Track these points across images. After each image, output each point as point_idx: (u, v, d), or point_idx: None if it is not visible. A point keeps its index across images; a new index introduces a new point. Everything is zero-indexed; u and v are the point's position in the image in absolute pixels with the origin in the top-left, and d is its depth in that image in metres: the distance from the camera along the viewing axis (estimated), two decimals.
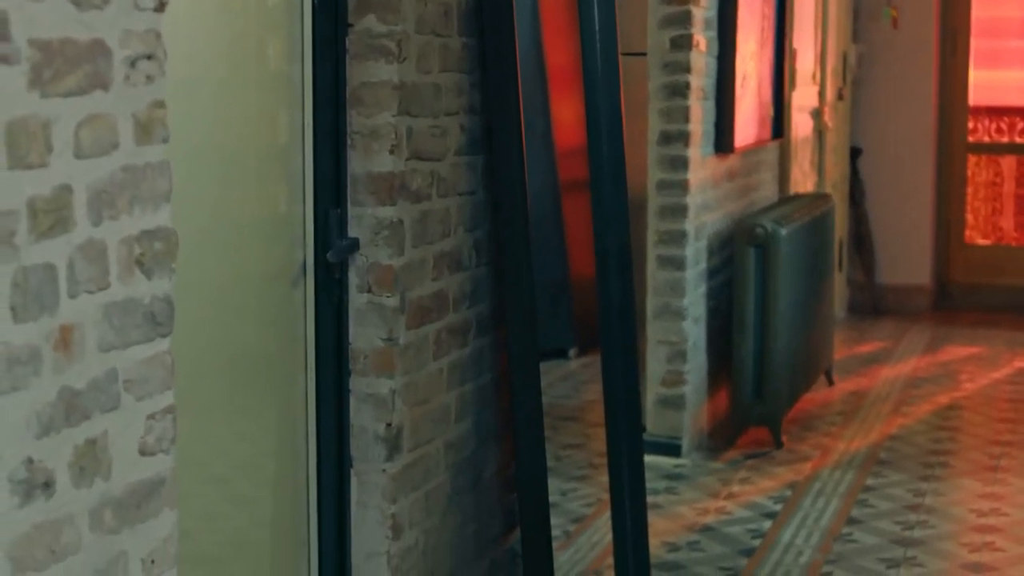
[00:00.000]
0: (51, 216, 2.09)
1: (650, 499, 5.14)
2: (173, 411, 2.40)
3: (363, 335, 3.32)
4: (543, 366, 7.53)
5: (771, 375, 5.87)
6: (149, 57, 2.30)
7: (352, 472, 3.34)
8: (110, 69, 2.21)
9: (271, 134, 3.18)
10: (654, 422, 5.82)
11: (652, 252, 5.71)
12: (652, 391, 5.78)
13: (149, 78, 2.31)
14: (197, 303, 2.91)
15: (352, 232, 3.30)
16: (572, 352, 7.63)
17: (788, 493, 5.34)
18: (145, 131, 2.31)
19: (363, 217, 3.29)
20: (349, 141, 3.28)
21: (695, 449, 5.86)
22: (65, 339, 2.14)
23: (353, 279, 3.32)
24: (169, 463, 2.40)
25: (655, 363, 5.77)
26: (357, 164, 3.28)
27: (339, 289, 3.29)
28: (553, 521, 5.03)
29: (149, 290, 2.33)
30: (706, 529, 4.96)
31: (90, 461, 2.19)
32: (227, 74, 3.03)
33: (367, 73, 3.25)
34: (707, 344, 5.95)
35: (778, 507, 5.17)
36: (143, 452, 2.33)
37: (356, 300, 3.33)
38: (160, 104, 2.34)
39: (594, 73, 3.78)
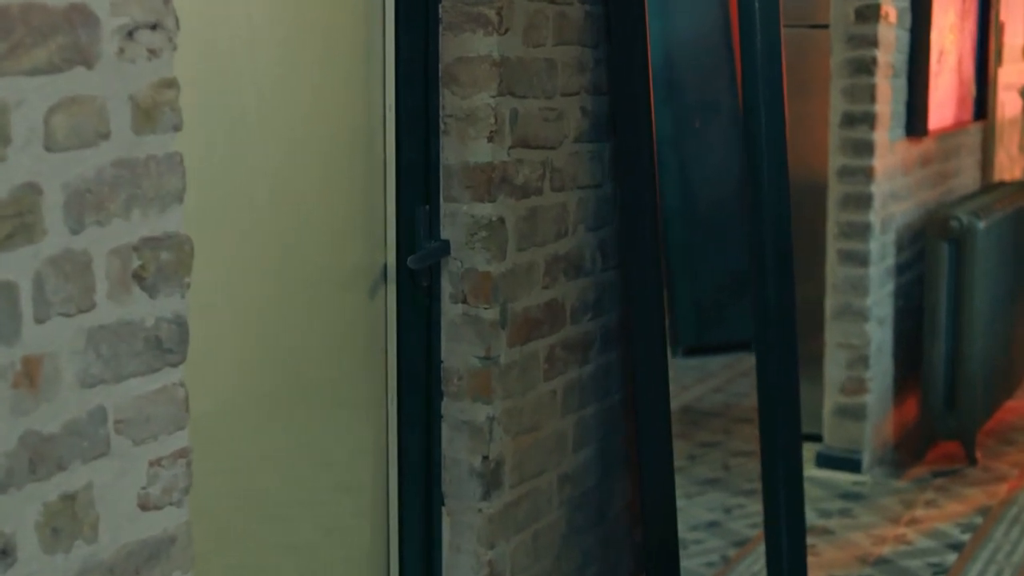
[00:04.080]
0: (8, 223, 1.72)
1: (822, 523, 4.73)
2: (187, 455, 2.02)
3: (457, 353, 2.87)
4: (724, 359, 7.12)
5: (965, 383, 5.42)
6: (153, 27, 1.90)
7: (443, 511, 2.90)
8: (96, 41, 1.83)
9: (346, 117, 2.74)
10: (832, 434, 5.43)
11: (832, 246, 5.30)
12: (830, 399, 5.38)
13: (152, 52, 1.92)
14: (257, 314, 2.56)
15: (444, 233, 2.86)
16: None
17: (979, 520, 4.78)
18: (147, 117, 1.92)
19: (457, 215, 2.85)
20: (441, 126, 2.83)
21: (877, 464, 5.37)
22: (30, 373, 1.77)
23: (445, 287, 2.88)
24: (181, 517, 2.02)
25: (834, 369, 5.38)
26: (450, 153, 2.84)
27: (427, 299, 2.84)
28: (712, 544, 4.63)
29: (153, 310, 1.94)
30: (881, 561, 4.43)
31: (66, 521, 1.83)
32: (293, 47, 2.62)
33: (462, 46, 2.80)
34: (894, 348, 5.55)
35: (966, 536, 4.63)
36: (144, 506, 1.96)
37: (449, 312, 2.88)
38: (168, 84, 1.95)
39: (752, 49, 3.38)
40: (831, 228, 5.26)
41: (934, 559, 4.44)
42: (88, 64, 1.80)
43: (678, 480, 5.28)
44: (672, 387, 6.93)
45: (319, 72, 2.67)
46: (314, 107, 2.66)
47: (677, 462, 5.52)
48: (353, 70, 2.75)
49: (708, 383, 6.84)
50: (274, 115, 2.56)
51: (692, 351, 7.05)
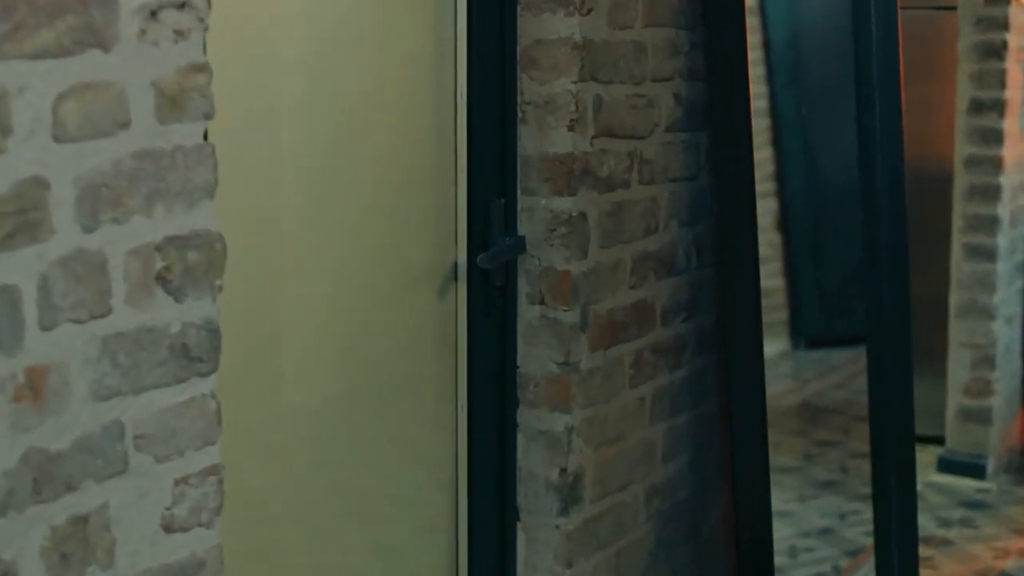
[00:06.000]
0: (9, 221, 1.57)
1: (941, 533, 4.52)
2: (218, 472, 1.89)
3: (533, 357, 2.69)
4: (848, 352, 6.86)
5: None
6: (180, 6, 1.76)
7: (518, 527, 2.72)
8: (114, 22, 1.68)
9: (413, 103, 2.57)
10: (955, 437, 5.25)
11: (958, 240, 5.11)
12: (953, 401, 5.21)
13: (179, 34, 1.77)
14: (318, 314, 2.40)
15: (521, 228, 2.68)
16: None
17: None
18: (173, 105, 1.78)
19: (535, 210, 2.66)
20: (519, 114, 2.64)
21: (1003, 471, 5.17)
22: (34, 385, 1.62)
23: (522, 287, 2.69)
24: (211, 540, 1.89)
25: (958, 369, 5.21)
26: (529, 143, 2.66)
27: (502, 299, 2.66)
28: (824, 552, 4.43)
29: (179, 315, 1.80)
30: None
31: (77, 545, 1.69)
32: (353, 28, 2.45)
33: (542, 28, 2.61)
34: (1022, 348, 5.37)
35: None
36: (169, 528, 1.82)
37: (526, 314, 2.70)
38: (198, 68, 1.80)
39: (867, 31, 3.23)
40: (957, 221, 5.09)
41: None
42: (104, 47, 1.66)
43: (792, 481, 5.09)
44: (791, 381, 6.74)
45: (383, 55, 2.51)
46: (378, 93, 2.50)
47: (792, 462, 5.32)
48: (421, 53, 2.57)
49: (829, 378, 6.62)
50: (334, 102, 2.40)
51: (814, 343, 6.82)
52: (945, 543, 4.47)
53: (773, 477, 5.21)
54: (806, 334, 6.87)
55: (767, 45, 6.51)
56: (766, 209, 6.70)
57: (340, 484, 2.48)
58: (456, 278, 2.61)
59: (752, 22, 6.72)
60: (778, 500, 4.90)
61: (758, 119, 6.82)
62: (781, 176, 6.69)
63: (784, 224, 6.77)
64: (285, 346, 2.34)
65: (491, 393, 2.68)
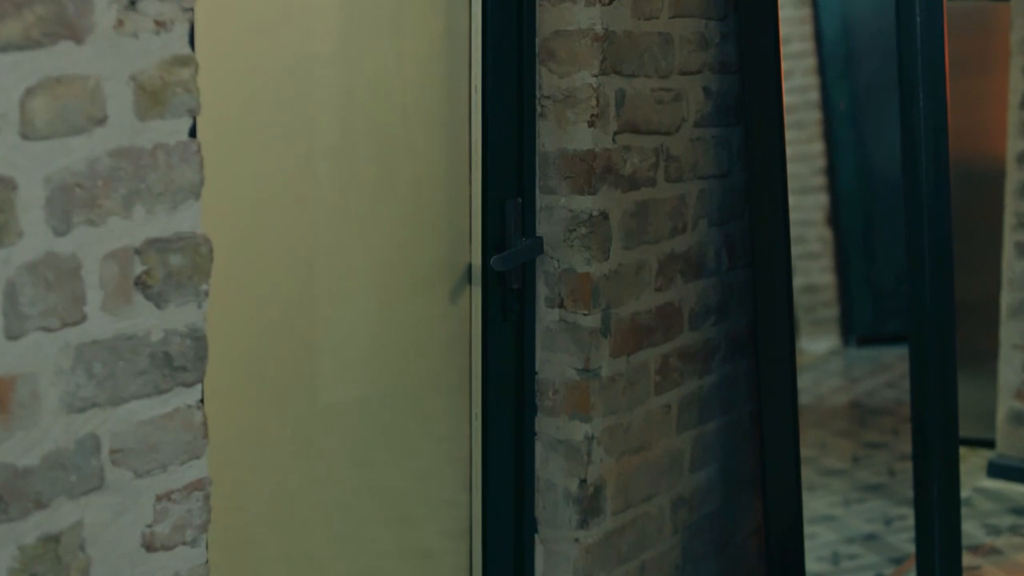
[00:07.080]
0: None
1: (990, 540, 4.40)
2: (204, 487, 1.81)
3: (552, 363, 2.59)
4: (900, 350, 6.73)
5: None
6: None
7: (536, 539, 2.61)
8: (88, 12, 1.60)
9: (425, 98, 2.48)
10: (1006, 441, 5.13)
11: (1009, 238, 4.97)
12: (1004, 404, 5.08)
13: (161, 25, 1.70)
14: (324, 319, 2.32)
15: (540, 228, 2.57)
16: None
17: None
18: (154, 100, 1.70)
19: (554, 209, 2.55)
20: (538, 109, 2.54)
21: None
22: (1, 398, 1.54)
23: (541, 290, 2.59)
24: (196, 558, 1.81)
25: (1009, 371, 5.09)
26: (547, 139, 2.55)
27: (519, 303, 2.56)
28: (867, 560, 4.31)
29: (161, 323, 1.72)
30: None
31: (49, 566, 1.61)
32: (360, 18, 2.36)
33: (561, 18, 2.51)
34: None
35: None
36: (150, 547, 1.74)
37: (544, 317, 2.59)
38: (182, 61, 1.72)
39: (911, 23, 3.10)
40: (1008, 219, 4.95)
41: None
42: (76, 39, 1.58)
43: (838, 485, 4.97)
44: (841, 380, 6.60)
45: (394, 47, 2.41)
46: (389, 87, 2.40)
47: (839, 464, 5.21)
48: (434, 44, 2.48)
49: (880, 376, 6.52)
50: (343, 97, 2.32)
51: (866, 340, 6.70)
52: (993, 551, 4.34)
53: (819, 480, 5.09)
54: (857, 331, 6.76)
55: (819, 37, 6.38)
56: (817, 204, 6.58)
57: (348, 490, 2.41)
58: (470, 281, 2.51)
59: (803, 13, 6.58)
60: (823, 504, 4.79)
61: (810, 112, 6.68)
62: (833, 170, 6.58)
63: (835, 219, 6.66)
64: (292, 351, 2.26)
65: (507, 400, 2.58)
